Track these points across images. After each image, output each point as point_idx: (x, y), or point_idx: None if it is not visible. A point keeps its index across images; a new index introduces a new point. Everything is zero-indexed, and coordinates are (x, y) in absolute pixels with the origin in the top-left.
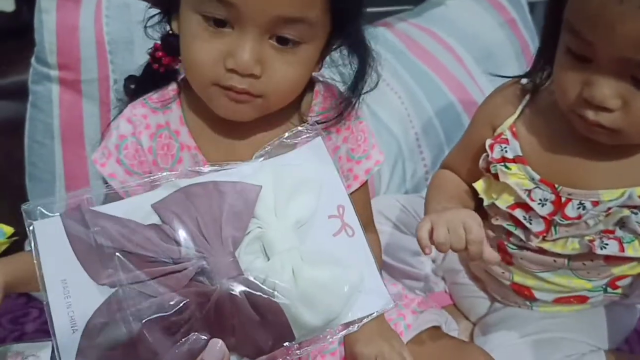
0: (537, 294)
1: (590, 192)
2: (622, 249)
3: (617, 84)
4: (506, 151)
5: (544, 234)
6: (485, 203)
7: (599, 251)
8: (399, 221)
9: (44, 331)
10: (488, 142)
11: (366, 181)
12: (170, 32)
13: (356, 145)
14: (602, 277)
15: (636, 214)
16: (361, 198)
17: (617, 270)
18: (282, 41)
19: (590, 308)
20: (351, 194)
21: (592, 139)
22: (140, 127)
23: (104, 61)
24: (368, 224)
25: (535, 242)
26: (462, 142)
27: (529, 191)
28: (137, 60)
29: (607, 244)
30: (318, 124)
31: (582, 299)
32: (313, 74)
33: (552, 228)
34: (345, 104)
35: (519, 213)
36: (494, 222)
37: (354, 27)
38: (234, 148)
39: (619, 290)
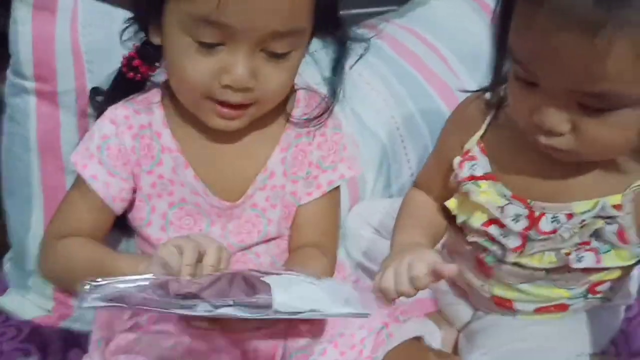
0: (517, 306)
1: (563, 205)
2: (599, 261)
3: (565, 110)
4: (475, 168)
5: (521, 250)
6: (459, 221)
7: (575, 265)
8: (381, 226)
9: (21, 350)
10: (456, 160)
11: (328, 192)
12: (148, 41)
13: (327, 153)
14: (581, 284)
15: (610, 224)
16: (320, 209)
17: (594, 277)
18: (274, 54)
19: (572, 314)
20: (309, 202)
21: None
22: (122, 127)
23: (81, 72)
24: (325, 237)
25: (512, 258)
26: (432, 159)
27: (502, 208)
28: (113, 70)
29: (583, 257)
30: (297, 124)
31: (563, 307)
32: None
33: (528, 243)
34: (323, 108)
35: (494, 230)
36: (470, 239)
37: (334, 20)
38: (218, 152)
39: (600, 295)
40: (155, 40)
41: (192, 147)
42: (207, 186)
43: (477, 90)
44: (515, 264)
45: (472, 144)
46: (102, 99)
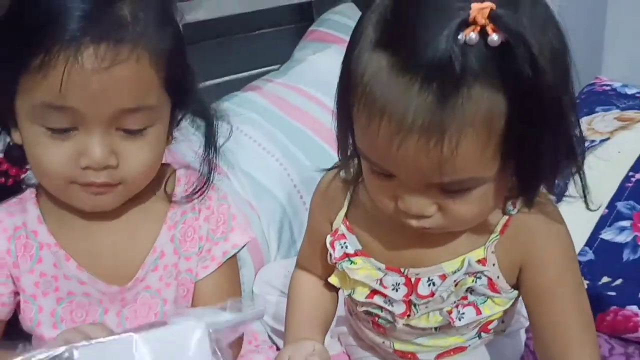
0: (420, 356)
1: (434, 268)
2: (479, 312)
3: (427, 199)
4: (346, 247)
5: (407, 314)
6: (345, 294)
7: (457, 323)
8: (285, 287)
9: None
10: (328, 240)
11: (225, 263)
12: (11, 143)
13: (216, 226)
14: (472, 328)
15: (480, 278)
16: (219, 280)
17: (483, 320)
18: (129, 131)
19: (472, 350)
20: (207, 276)
21: None
22: None
23: None
24: None
25: (401, 323)
26: (306, 239)
27: (380, 280)
28: None
29: (463, 313)
30: (180, 202)
31: (462, 349)
32: (171, 160)
33: (413, 307)
34: (202, 184)
35: (378, 300)
36: (359, 309)
37: (192, 96)
38: (101, 238)
39: (492, 332)
40: (18, 140)
41: (71, 239)
42: (93, 274)
43: (330, 169)
44: (406, 325)
45: (339, 223)
46: None
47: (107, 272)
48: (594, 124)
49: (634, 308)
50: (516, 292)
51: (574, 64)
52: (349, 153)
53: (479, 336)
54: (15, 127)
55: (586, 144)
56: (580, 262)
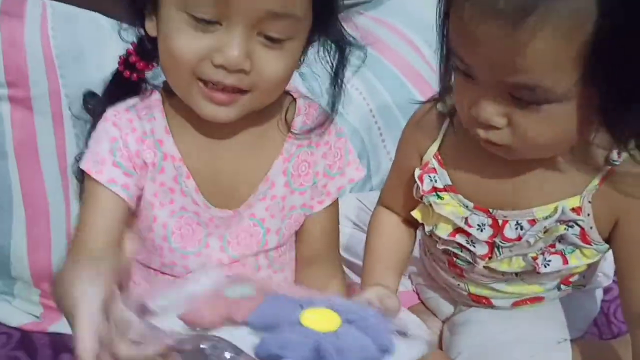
0: (494, 302)
1: (524, 212)
2: (566, 261)
3: (498, 103)
4: (436, 180)
5: (489, 256)
6: (427, 230)
7: (542, 270)
8: (360, 221)
9: (11, 357)
10: (417, 173)
11: (337, 198)
12: (144, 37)
13: (333, 161)
14: (553, 279)
15: (572, 227)
16: (329, 216)
17: (566, 273)
18: (270, 38)
19: (549, 302)
20: (322, 211)
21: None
22: (126, 129)
23: (54, 76)
24: (334, 245)
25: (481, 264)
26: (393, 175)
27: (466, 218)
28: (88, 72)
29: (550, 261)
30: (298, 134)
31: (539, 299)
32: (294, 88)
33: (496, 250)
34: (324, 119)
35: (460, 239)
36: (439, 247)
37: (333, 19)
38: (220, 161)
39: (572, 285)
40: (152, 31)
41: (194, 156)
42: (207, 198)
43: (428, 101)
44: (486, 267)
45: (430, 156)
46: (96, 103)
47: (221, 196)
48: None
49: None
50: (607, 245)
51: None
52: (449, 83)
53: (559, 288)
54: (151, 16)
55: None
56: None
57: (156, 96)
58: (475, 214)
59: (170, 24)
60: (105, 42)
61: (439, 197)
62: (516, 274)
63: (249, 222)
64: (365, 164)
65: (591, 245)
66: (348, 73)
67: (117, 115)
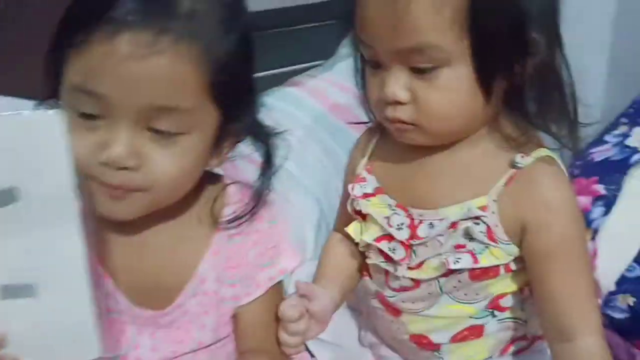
0: (433, 338)
1: (437, 211)
2: (476, 261)
3: (400, 78)
4: (365, 187)
5: (407, 260)
6: (358, 242)
7: (453, 266)
8: None
9: None
10: (350, 185)
11: (270, 288)
12: None
13: (264, 250)
14: (481, 297)
15: (478, 224)
16: (264, 307)
17: (493, 289)
18: (160, 132)
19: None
20: (250, 302)
21: (431, 157)
22: None
23: None
24: (273, 335)
25: (402, 272)
26: (341, 202)
27: (388, 218)
28: None
29: (460, 258)
30: (229, 224)
31: (477, 331)
32: (220, 171)
33: (412, 252)
34: (253, 205)
35: (384, 245)
36: (369, 261)
37: (247, 114)
38: (141, 259)
39: (509, 314)
40: None
41: (110, 255)
42: (128, 297)
43: (362, 122)
44: (410, 286)
45: (361, 169)
46: None
47: (144, 296)
48: None
49: None
50: (514, 247)
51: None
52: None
53: (492, 314)
54: None
55: (638, 155)
56: (627, 278)
57: None
58: (396, 213)
59: (68, 122)
60: None
61: (367, 200)
62: (439, 285)
63: (182, 319)
64: (325, 230)
65: (497, 244)
66: (300, 132)
67: None
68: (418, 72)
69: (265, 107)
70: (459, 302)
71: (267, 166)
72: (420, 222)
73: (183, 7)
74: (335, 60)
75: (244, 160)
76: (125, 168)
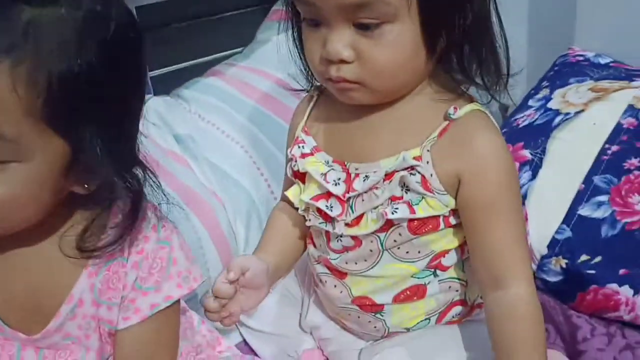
0: (376, 299)
1: (372, 164)
2: (413, 211)
3: (344, 35)
4: (303, 147)
5: (343, 215)
6: (298, 206)
7: (390, 216)
8: None
9: None
10: (289, 149)
11: (154, 316)
12: None
13: (147, 273)
14: (423, 255)
15: (413, 174)
16: (145, 334)
17: (435, 247)
18: (363, 26)
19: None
20: (126, 328)
21: (367, 113)
22: None
23: None
24: None
25: (340, 229)
26: (285, 169)
27: (325, 175)
28: None
29: (397, 209)
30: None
31: (420, 291)
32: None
33: (348, 208)
34: (127, 226)
35: (321, 204)
36: (308, 224)
37: (97, 150)
38: (9, 276)
39: (450, 273)
40: None
41: None
42: (2, 319)
43: (303, 89)
44: (352, 245)
45: (299, 131)
46: None
47: (17, 317)
48: (568, 96)
49: (614, 286)
50: (450, 197)
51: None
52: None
53: (435, 273)
54: None
55: (560, 117)
56: (558, 240)
57: None
58: (333, 168)
59: None
60: None
61: (305, 159)
62: (379, 241)
63: (63, 342)
64: (256, 220)
65: (433, 193)
66: (224, 124)
67: None
68: (362, 28)
69: (186, 99)
70: (401, 260)
71: (136, 199)
72: (357, 175)
73: (22, 20)
74: (253, 46)
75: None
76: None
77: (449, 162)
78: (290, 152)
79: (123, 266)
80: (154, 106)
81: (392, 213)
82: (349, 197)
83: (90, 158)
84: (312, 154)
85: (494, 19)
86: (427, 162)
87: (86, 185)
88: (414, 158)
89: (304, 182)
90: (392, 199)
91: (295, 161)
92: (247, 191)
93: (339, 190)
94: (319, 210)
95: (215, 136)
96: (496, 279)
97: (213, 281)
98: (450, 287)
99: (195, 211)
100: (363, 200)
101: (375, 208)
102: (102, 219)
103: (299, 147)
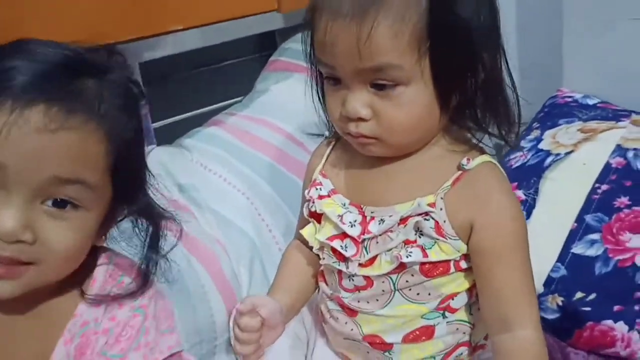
0: (386, 338)
1: (387, 208)
2: (426, 255)
3: (362, 96)
4: (320, 189)
5: (357, 256)
6: (313, 245)
7: (405, 259)
8: None
9: None
10: (306, 191)
11: None
12: None
13: (114, 340)
14: (433, 297)
15: (427, 220)
16: None
17: (445, 290)
18: (56, 202)
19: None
20: None
21: (385, 161)
22: None
23: None
24: None
25: (354, 269)
26: (301, 210)
27: (341, 216)
28: None
29: (411, 253)
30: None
31: (429, 332)
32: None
33: (363, 249)
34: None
35: (336, 244)
36: (322, 262)
37: (139, 195)
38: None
39: (458, 316)
40: None
41: None
42: None
43: (320, 134)
44: (364, 285)
45: (317, 174)
46: None
47: None
48: (558, 137)
49: (610, 322)
50: (462, 243)
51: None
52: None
53: (443, 315)
54: None
55: (551, 157)
56: (553, 278)
57: None
58: (349, 211)
59: None
60: None
61: (323, 201)
62: (392, 282)
63: None
64: (259, 263)
65: (446, 239)
66: (225, 172)
67: None
68: (379, 89)
69: (188, 148)
70: (411, 301)
71: (152, 248)
72: (372, 218)
73: (89, 89)
74: (252, 96)
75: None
76: (18, 241)
77: (462, 210)
78: (308, 193)
79: (95, 333)
80: (158, 156)
81: (407, 257)
82: (364, 239)
83: (126, 209)
84: (329, 195)
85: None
86: (441, 209)
87: (104, 237)
88: (429, 204)
89: (319, 222)
90: (406, 242)
91: (313, 202)
92: (249, 237)
93: (354, 231)
94: (333, 249)
95: (218, 184)
96: (504, 322)
97: (218, 326)
98: (457, 329)
99: (199, 258)
100: (377, 242)
101: (389, 250)
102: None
103: (316, 189)
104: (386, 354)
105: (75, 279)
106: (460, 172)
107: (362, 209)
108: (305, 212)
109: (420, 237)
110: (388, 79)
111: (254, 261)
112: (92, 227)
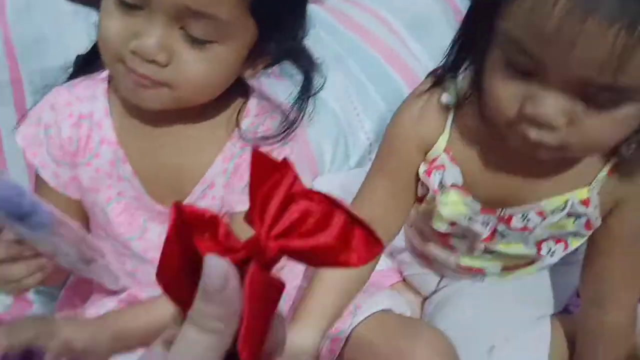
0: (486, 269)
1: (532, 205)
2: (567, 246)
3: (564, 101)
4: (443, 178)
5: (489, 240)
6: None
7: (548, 260)
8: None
9: None
10: (422, 169)
11: None
12: None
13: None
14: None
15: (579, 218)
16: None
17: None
18: (191, 37)
19: (535, 272)
20: (240, 212)
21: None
22: (62, 114)
23: (14, 63)
24: None
25: (480, 247)
26: (379, 178)
27: (470, 217)
28: (51, 58)
29: (554, 250)
30: (244, 135)
31: (529, 263)
32: (250, 81)
33: (497, 235)
34: (275, 126)
35: (458, 229)
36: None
37: (287, 36)
38: (159, 152)
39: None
40: None
41: (132, 141)
42: (144, 185)
43: (433, 74)
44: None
45: (439, 151)
46: (81, 65)
47: (157, 189)
48: None
49: None
50: (600, 220)
51: None
52: (460, 70)
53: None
54: None
55: None
56: None
57: (103, 75)
58: (479, 220)
59: (104, 5)
60: (66, 27)
61: (445, 196)
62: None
63: None
64: (343, 144)
65: (592, 229)
66: (320, 50)
67: (57, 96)
68: (592, 101)
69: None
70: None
71: (304, 92)
72: (510, 217)
73: None
74: None
75: (271, 79)
76: (152, 61)
77: (612, 198)
78: (427, 174)
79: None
80: None
81: (550, 256)
82: (498, 228)
83: (274, 48)
84: (452, 188)
85: None
86: (596, 207)
87: (260, 69)
88: (583, 202)
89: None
90: (549, 238)
91: (433, 194)
92: (337, 115)
93: (487, 229)
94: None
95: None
96: (602, 299)
97: None
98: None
99: None
100: (515, 234)
101: (525, 240)
102: (247, 109)
103: (437, 174)
104: (479, 276)
105: (228, 109)
106: (616, 159)
107: (496, 213)
108: (420, 193)
109: (567, 235)
110: (615, 99)
111: (339, 140)
112: (229, 61)
